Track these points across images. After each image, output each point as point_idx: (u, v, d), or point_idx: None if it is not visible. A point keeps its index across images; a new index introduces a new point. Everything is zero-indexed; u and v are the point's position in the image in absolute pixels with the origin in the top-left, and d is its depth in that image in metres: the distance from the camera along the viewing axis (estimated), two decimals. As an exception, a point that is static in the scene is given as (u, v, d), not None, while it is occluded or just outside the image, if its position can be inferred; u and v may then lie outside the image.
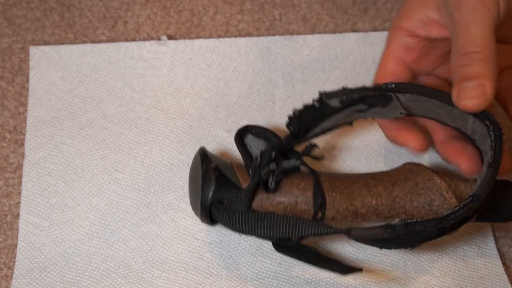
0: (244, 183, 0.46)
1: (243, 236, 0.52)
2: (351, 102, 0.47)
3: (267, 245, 0.52)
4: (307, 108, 0.47)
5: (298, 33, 0.62)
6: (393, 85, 0.46)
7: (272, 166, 0.45)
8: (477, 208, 0.42)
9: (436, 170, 0.48)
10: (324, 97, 0.46)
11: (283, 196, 0.46)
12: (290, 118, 0.47)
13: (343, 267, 0.45)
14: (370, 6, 0.64)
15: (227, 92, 0.58)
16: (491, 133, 0.43)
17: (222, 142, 0.56)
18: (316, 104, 0.46)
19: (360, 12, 0.63)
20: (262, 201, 0.46)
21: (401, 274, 0.51)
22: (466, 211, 0.42)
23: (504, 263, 0.52)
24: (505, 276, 0.51)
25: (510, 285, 0.51)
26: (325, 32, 0.62)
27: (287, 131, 0.47)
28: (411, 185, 0.47)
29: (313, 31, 0.62)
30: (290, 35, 0.61)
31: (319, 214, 0.46)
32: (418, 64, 0.50)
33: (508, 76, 0.50)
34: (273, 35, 0.61)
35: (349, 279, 0.50)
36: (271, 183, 0.46)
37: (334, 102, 0.47)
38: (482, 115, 0.43)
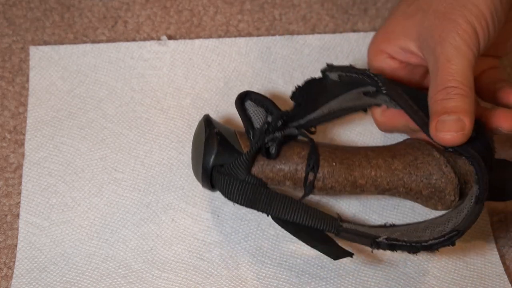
0: (246, 150, 0.47)
1: (242, 233, 0.52)
2: (350, 81, 0.48)
3: (267, 245, 0.52)
4: (309, 80, 0.49)
5: (298, 33, 0.62)
6: (384, 91, 0.47)
7: (278, 134, 0.46)
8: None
9: (437, 146, 0.48)
10: (325, 68, 0.48)
11: (284, 163, 0.47)
12: (294, 90, 0.49)
13: (335, 250, 0.46)
14: (370, 6, 0.64)
15: (227, 92, 0.58)
16: (474, 165, 0.45)
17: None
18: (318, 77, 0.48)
19: (360, 12, 0.63)
20: (263, 167, 0.47)
21: (401, 274, 0.51)
22: (449, 243, 0.45)
23: (504, 263, 0.52)
24: (505, 276, 0.51)
25: (510, 285, 0.51)
26: (325, 32, 0.62)
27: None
28: (411, 158, 0.47)
29: (313, 31, 0.62)
30: (290, 35, 0.61)
31: (311, 177, 0.46)
32: (406, 80, 0.51)
33: (491, 74, 0.51)
34: (273, 35, 0.61)
35: (349, 278, 0.50)
36: (273, 149, 0.46)
37: (333, 76, 0.48)
38: (461, 150, 0.45)
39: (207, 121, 0.48)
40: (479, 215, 0.45)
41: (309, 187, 0.47)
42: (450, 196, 0.47)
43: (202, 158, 0.47)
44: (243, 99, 0.49)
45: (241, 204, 0.46)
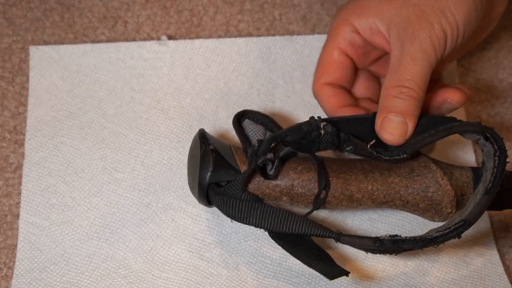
0: (242, 166, 0.46)
1: (242, 233, 0.52)
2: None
3: (267, 245, 0.52)
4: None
5: (298, 33, 0.62)
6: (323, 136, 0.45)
7: (270, 155, 0.45)
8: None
9: (432, 158, 0.48)
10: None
11: (280, 179, 0.47)
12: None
13: (331, 269, 0.45)
14: (370, 6, 0.64)
15: (227, 92, 0.58)
16: (496, 157, 0.44)
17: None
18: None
19: (360, 12, 0.63)
20: (259, 183, 0.46)
21: (401, 274, 0.51)
22: (455, 235, 0.44)
23: (504, 263, 0.52)
24: (505, 276, 0.51)
25: (510, 285, 0.51)
26: (325, 32, 0.62)
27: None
28: (407, 171, 0.47)
29: (313, 31, 0.62)
30: (290, 35, 0.61)
31: (323, 194, 0.46)
32: (358, 60, 0.51)
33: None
34: (273, 35, 0.61)
35: (349, 279, 0.50)
36: (271, 170, 0.46)
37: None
38: (492, 137, 0.45)
39: (202, 137, 0.48)
40: (487, 206, 0.45)
41: (318, 204, 0.47)
42: (447, 208, 0.47)
43: (198, 175, 0.46)
44: (239, 118, 0.49)
45: (238, 220, 0.46)
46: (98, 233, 0.51)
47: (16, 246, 0.51)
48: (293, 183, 0.47)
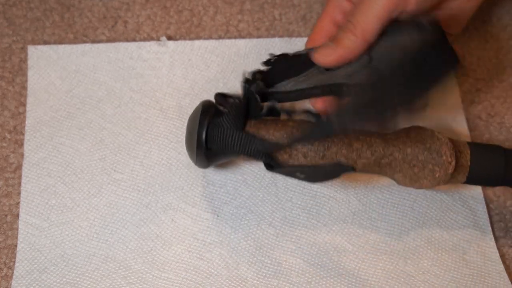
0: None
1: (242, 233, 0.52)
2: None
3: (267, 245, 0.52)
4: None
5: (298, 33, 0.62)
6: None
7: (260, 83, 0.48)
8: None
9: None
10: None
11: (278, 130, 0.48)
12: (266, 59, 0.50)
13: (336, 169, 0.47)
14: (369, 6, 0.64)
15: (227, 93, 0.58)
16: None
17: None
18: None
19: (359, 12, 0.63)
20: (258, 129, 0.48)
21: (401, 273, 0.51)
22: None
23: (504, 263, 0.52)
24: (505, 274, 0.51)
25: (510, 283, 0.51)
26: (325, 32, 0.62)
27: None
28: (404, 132, 0.49)
29: (313, 31, 0.62)
30: (290, 35, 0.61)
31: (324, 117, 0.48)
32: None
33: None
34: (273, 35, 0.61)
35: (349, 278, 0.50)
36: (259, 99, 0.48)
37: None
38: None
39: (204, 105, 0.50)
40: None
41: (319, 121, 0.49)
42: (447, 157, 0.47)
43: (198, 119, 0.48)
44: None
45: (237, 152, 0.48)
46: (98, 234, 0.51)
47: (16, 246, 0.51)
48: (292, 130, 0.48)
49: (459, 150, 0.49)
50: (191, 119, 0.50)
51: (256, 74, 0.49)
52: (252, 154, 0.48)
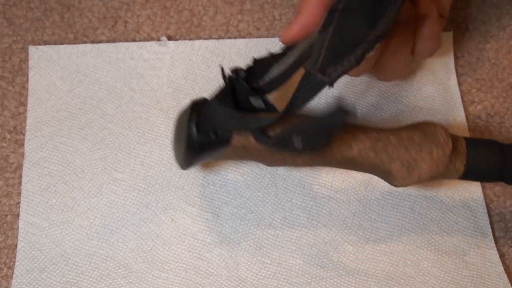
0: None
1: (242, 233, 0.52)
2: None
3: (267, 245, 0.52)
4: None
5: (298, 33, 0.62)
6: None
7: (241, 70, 0.48)
8: None
9: None
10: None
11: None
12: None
13: (337, 115, 0.43)
14: (370, 6, 0.64)
15: (227, 92, 0.58)
16: None
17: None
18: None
19: (360, 12, 0.63)
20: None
21: (401, 274, 0.51)
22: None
23: (504, 263, 0.52)
24: (505, 276, 0.51)
25: (510, 285, 0.51)
26: (325, 32, 0.62)
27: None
28: (396, 127, 0.49)
29: (313, 31, 0.62)
30: (290, 35, 0.61)
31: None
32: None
33: None
34: (273, 35, 0.61)
35: (349, 278, 0.50)
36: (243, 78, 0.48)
37: None
38: None
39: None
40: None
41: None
42: (443, 137, 0.47)
43: (187, 112, 0.47)
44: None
45: (231, 126, 0.46)
46: (98, 233, 0.51)
47: (16, 246, 0.51)
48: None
49: (455, 138, 0.48)
50: (179, 116, 0.49)
51: (238, 69, 0.49)
52: (246, 127, 0.46)
